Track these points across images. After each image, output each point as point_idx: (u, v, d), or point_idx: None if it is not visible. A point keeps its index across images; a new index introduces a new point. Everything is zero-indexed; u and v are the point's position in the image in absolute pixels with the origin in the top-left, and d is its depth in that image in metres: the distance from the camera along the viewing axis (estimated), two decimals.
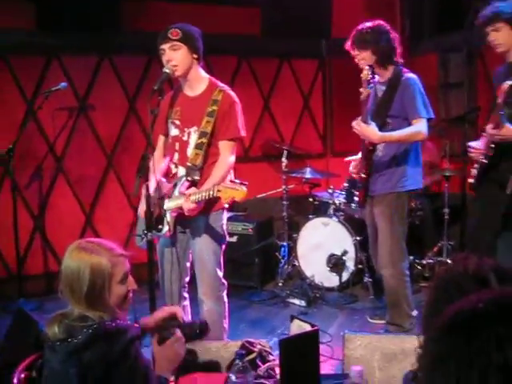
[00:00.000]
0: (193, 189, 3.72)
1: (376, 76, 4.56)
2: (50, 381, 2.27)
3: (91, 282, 2.26)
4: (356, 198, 4.85)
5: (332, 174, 6.96)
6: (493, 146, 4.24)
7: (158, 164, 3.95)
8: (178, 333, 2.58)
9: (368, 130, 4.32)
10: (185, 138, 3.91)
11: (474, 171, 4.46)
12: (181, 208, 3.69)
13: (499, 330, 0.98)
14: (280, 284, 6.10)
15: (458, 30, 6.21)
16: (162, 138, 4.10)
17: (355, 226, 5.89)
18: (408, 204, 4.75)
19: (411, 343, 3.25)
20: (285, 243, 6.30)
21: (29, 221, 6.16)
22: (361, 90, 4.31)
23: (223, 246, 4.00)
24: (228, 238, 4.10)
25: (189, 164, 3.84)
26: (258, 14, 7.01)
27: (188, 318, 4.06)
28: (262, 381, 2.67)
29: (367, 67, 4.30)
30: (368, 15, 6.85)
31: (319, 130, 7.74)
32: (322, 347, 3.39)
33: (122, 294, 2.37)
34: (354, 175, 4.75)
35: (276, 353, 2.97)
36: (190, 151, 3.88)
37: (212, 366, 2.96)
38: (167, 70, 3.76)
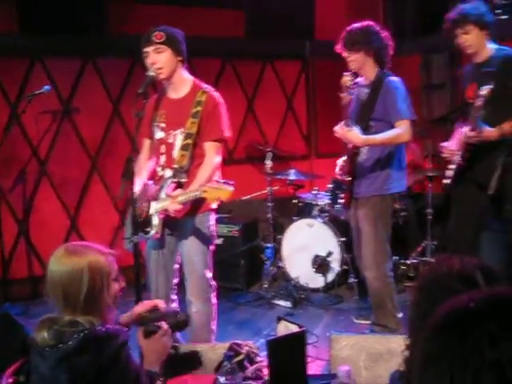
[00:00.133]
0: (179, 190, 3.73)
1: (360, 79, 4.60)
2: None
3: (91, 282, 2.26)
4: (341, 200, 4.88)
5: (316, 176, 6.99)
6: (470, 147, 4.30)
7: (144, 167, 3.96)
8: (165, 325, 2.58)
9: (351, 134, 4.35)
10: (170, 141, 3.92)
11: (449, 172, 4.51)
12: (167, 210, 3.69)
13: (491, 327, 0.99)
14: (265, 286, 6.11)
15: (441, 31, 6.26)
16: (146, 141, 4.10)
17: (340, 227, 5.92)
18: (392, 206, 4.79)
19: (397, 343, 3.28)
20: (270, 245, 6.31)
21: (13, 225, 6.12)
22: (341, 95, 4.33)
23: (212, 248, 4.01)
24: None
25: (175, 166, 3.85)
26: (241, 17, 7.03)
27: None
28: (250, 382, 2.68)
29: (347, 73, 4.31)
30: (351, 17, 6.90)
31: (303, 132, 7.76)
32: (308, 348, 3.41)
33: (116, 292, 2.38)
34: (339, 177, 4.78)
35: (263, 354, 2.99)
36: (176, 153, 3.88)
37: (200, 368, 2.96)
38: (151, 74, 3.75)
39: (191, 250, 3.94)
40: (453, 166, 4.47)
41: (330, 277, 5.93)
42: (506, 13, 6.05)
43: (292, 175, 6.41)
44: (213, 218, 4.02)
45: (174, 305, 4.07)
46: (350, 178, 4.66)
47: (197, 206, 3.86)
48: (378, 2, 7.67)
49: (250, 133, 7.28)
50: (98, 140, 6.45)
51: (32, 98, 5.54)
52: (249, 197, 6.58)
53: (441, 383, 1.01)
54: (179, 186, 3.81)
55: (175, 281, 4.08)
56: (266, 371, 2.71)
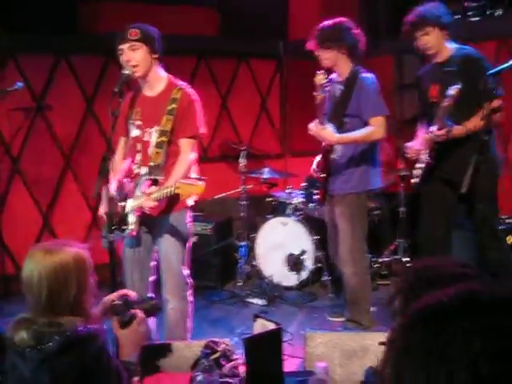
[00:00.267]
0: (154, 187, 3.73)
1: (334, 75, 4.63)
2: None
3: (78, 279, 2.24)
4: (316, 197, 4.91)
5: (290, 174, 7.01)
6: (436, 145, 4.38)
7: (119, 165, 3.96)
8: (140, 313, 2.58)
9: (325, 132, 4.38)
10: (146, 139, 3.92)
11: (417, 172, 4.58)
12: (143, 207, 3.70)
13: (464, 323, 1.02)
14: (239, 284, 6.11)
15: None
16: (122, 140, 4.09)
17: (314, 225, 5.95)
18: (367, 203, 4.83)
19: (371, 340, 3.32)
20: (244, 243, 6.32)
21: None
22: (315, 94, 4.35)
23: (188, 245, 4.03)
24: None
25: (151, 163, 3.85)
26: (215, 15, 7.04)
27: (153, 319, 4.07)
28: (227, 379, 2.70)
29: (320, 72, 4.33)
30: (324, 17, 6.93)
31: (277, 130, 7.79)
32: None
33: (94, 288, 2.37)
34: (315, 174, 4.81)
35: (239, 352, 3.00)
36: (151, 150, 3.88)
37: (176, 366, 2.97)
38: (127, 72, 3.75)
39: (168, 248, 3.95)
40: (420, 165, 4.54)
41: (304, 275, 5.97)
42: (477, 15, 6.13)
43: (266, 174, 6.43)
44: (189, 215, 4.03)
45: None
46: (324, 175, 4.69)
47: (173, 203, 3.87)
48: (352, 3, 7.72)
49: (224, 131, 7.29)
50: (72, 138, 6.40)
51: (5, 94, 5.48)
52: (223, 195, 6.59)
53: (415, 379, 1.02)
54: (154, 183, 3.81)
55: (152, 278, 4.08)
56: (242, 369, 2.73)
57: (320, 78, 4.28)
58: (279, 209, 6.44)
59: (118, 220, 3.75)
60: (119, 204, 3.82)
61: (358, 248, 4.67)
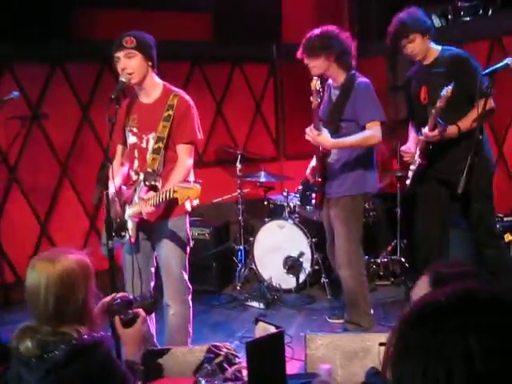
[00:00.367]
0: (151, 193, 3.75)
1: (330, 81, 4.66)
2: None
3: (85, 282, 2.25)
4: (313, 201, 4.93)
5: (286, 177, 7.03)
6: (430, 147, 4.41)
7: (117, 172, 3.97)
8: (142, 311, 2.60)
9: (320, 137, 4.39)
10: (143, 145, 3.94)
11: (409, 173, 4.62)
12: (141, 213, 3.72)
13: (461, 321, 1.04)
14: (238, 287, 6.14)
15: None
16: (119, 147, 4.12)
17: (311, 227, 5.97)
18: (362, 206, 4.85)
19: (371, 341, 3.35)
20: (241, 247, 6.34)
21: None
22: (311, 99, 4.37)
23: (188, 250, 4.05)
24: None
25: (148, 169, 3.87)
26: (209, 20, 7.07)
27: (153, 323, 4.09)
28: (230, 383, 2.72)
29: (316, 77, 4.35)
30: (317, 20, 6.97)
31: (272, 134, 7.82)
32: None
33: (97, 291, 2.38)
34: (310, 178, 4.84)
35: (241, 355, 3.02)
36: (148, 156, 3.91)
37: (179, 371, 2.99)
38: (123, 79, 3.77)
39: (168, 253, 3.97)
40: (413, 167, 4.57)
41: (302, 277, 5.99)
42: (470, 14, 6.17)
43: (262, 177, 6.45)
44: (188, 220, 4.05)
45: None
46: (320, 179, 4.72)
47: (172, 209, 3.89)
48: (344, 5, 7.76)
49: (220, 136, 7.31)
50: (68, 145, 6.41)
51: (1, 104, 5.49)
52: (219, 199, 6.61)
53: (414, 376, 1.04)
54: (152, 189, 3.83)
55: (151, 284, 4.10)
56: (245, 372, 2.75)
57: (315, 83, 4.30)
58: (276, 212, 6.46)
59: (117, 227, 3.77)
60: (118, 211, 3.84)
61: (354, 250, 4.69)
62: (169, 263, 3.99)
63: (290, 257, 6.00)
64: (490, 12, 6.01)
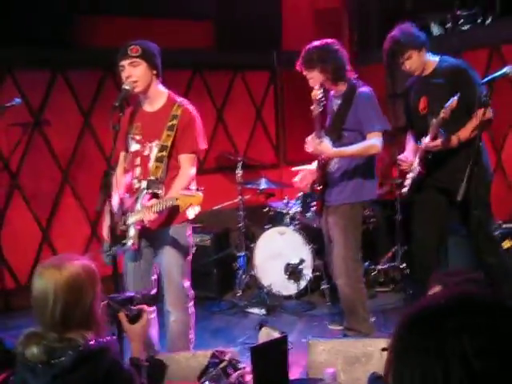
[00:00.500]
0: (153, 200, 3.77)
1: (332, 91, 4.69)
2: None
3: (92, 287, 2.27)
4: (313, 208, 4.97)
5: (286, 184, 7.05)
6: (430, 156, 4.45)
7: (120, 180, 4.00)
8: (145, 307, 2.63)
9: (322, 145, 4.42)
10: (146, 153, 3.97)
11: (407, 181, 4.65)
12: (143, 220, 3.74)
13: (456, 322, 1.08)
14: (239, 294, 6.16)
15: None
16: (122, 154, 4.14)
17: (311, 234, 6.00)
18: (362, 214, 4.88)
19: (373, 346, 3.37)
20: (242, 253, 6.37)
21: None
22: (312, 107, 4.40)
23: (189, 258, 4.07)
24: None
25: (150, 177, 3.90)
26: (210, 28, 7.12)
27: (156, 330, 4.12)
28: None
29: (317, 87, 4.36)
30: (317, 27, 7.03)
31: (272, 141, 7.86)
32: None
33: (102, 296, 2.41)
34: (300, 187, 4.88)
35: (243, 361, 3.05)
36: (151, 164, 3.93)
37: (183, 377, 3.01)
38: (127, 87, 3.81)
39: (169, 261, 3.99)
40: (411, 175, 4.60)
41: (303, 284, 6.01)
42: (469, 23, 6.21)
43: (263, 184, 6.48)
44: (190, 228, 4.08)
45: (153, 315, 4.10)
46: (321, 187, 4.75)
47: (173, 216, 3.92)
48: (344, 13, 7.80)
49: (221, 143, 7.35)
50: (69, 152, 6.45)
51: (3, 110, 5.52)
52: (220, 206, 6.64)
53: (413, 377, 1.08)
54: (154, 196, 3.85)
55: (153, 292, 4.11)
56: (248, 377, 2.78)
57: (316, 93, 4.32)
58: (276, 219, 6.48)
59: (119, 234, 3.80)
60: (120, 218, 3.86)
61: (352, 258, 4.70)
62: (170, 270, 4.02)
63: (291, 263, 6.02)
64: (489, 20, 6.05)
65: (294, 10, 7.56)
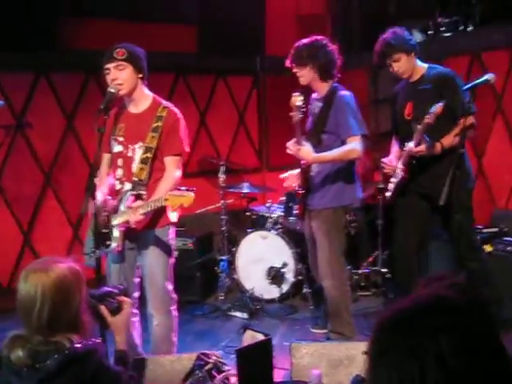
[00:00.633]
0: (139, 201, 3.77)
1: (314, 94, 4.72)
2: None
3: (79, 289, 2.27)
4: (295, 211, 4.99)
5: (269, 189, 7.08)
6: (414, 161, 4.50)
7: (104, 181, 4.00)
8: (124, 298, 2.63)
9: (302, 151, 4.45)
10: (129, 154, 3.96)
11: (390, 185, 4.70)
12: (128, 222, 3.74)
13: (432, 322, 1.10)
14: (221, 297, 6.16)
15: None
16: (106, 156, 4.13)
17: (294, 238, 6.01)
18: (344, 218, 4.90)
19: (356, 349, 3.41)
20: (224, 257, 6.37)
21: None
22: (291, 114, 4.41)
23: (172, 261, 4.07)
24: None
25: (134, 179, 3.89)
26: (193, 32, 7.13)
27: (139, 333, 4.12)
28: None
29: (296, 94, 4.38)
30: (300, 32, 7.06)
31: (255, 145, 7.89)
32: None
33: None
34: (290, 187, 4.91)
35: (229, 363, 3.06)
36: (135, 166, 3.93)
37: (167, 380, 3.02)
38: (112, 90, 3.80)
39: (152, 263, 3.99)
40: (394, 180, 4.65)
41: (285, 287, 6.03)
42: (450, 30, 6.28)
43: (245, 188, 6.50)
44: (173, 231, 4.08)
45: (135, 318, 4.10)
46: (302, 191, 4.78)
47: (157, 219, 3.93)
48: (327, 18, 7.86)
49: (203, 147, 7.36)
50: (52, 155, 6.42)
51: None
52: (203, 210, 6.64)
53: (390, 379, 1.11)
54: (138, 198, 3.85)
55: (136, 294, 4.11)
56: (232, 379, 2.79)
57: (296, 99, 4.32)
58: (259, 223, 6.49)
59: (102, 236, 3.79)
60: (104, 220, 3.85)
61: (336, 261, 4.74)
62: (152, 273, 4.01)
63: (273, 267, 6.03)
64: (471, 28, 6.11)
65: (277, 15, 7.61)
